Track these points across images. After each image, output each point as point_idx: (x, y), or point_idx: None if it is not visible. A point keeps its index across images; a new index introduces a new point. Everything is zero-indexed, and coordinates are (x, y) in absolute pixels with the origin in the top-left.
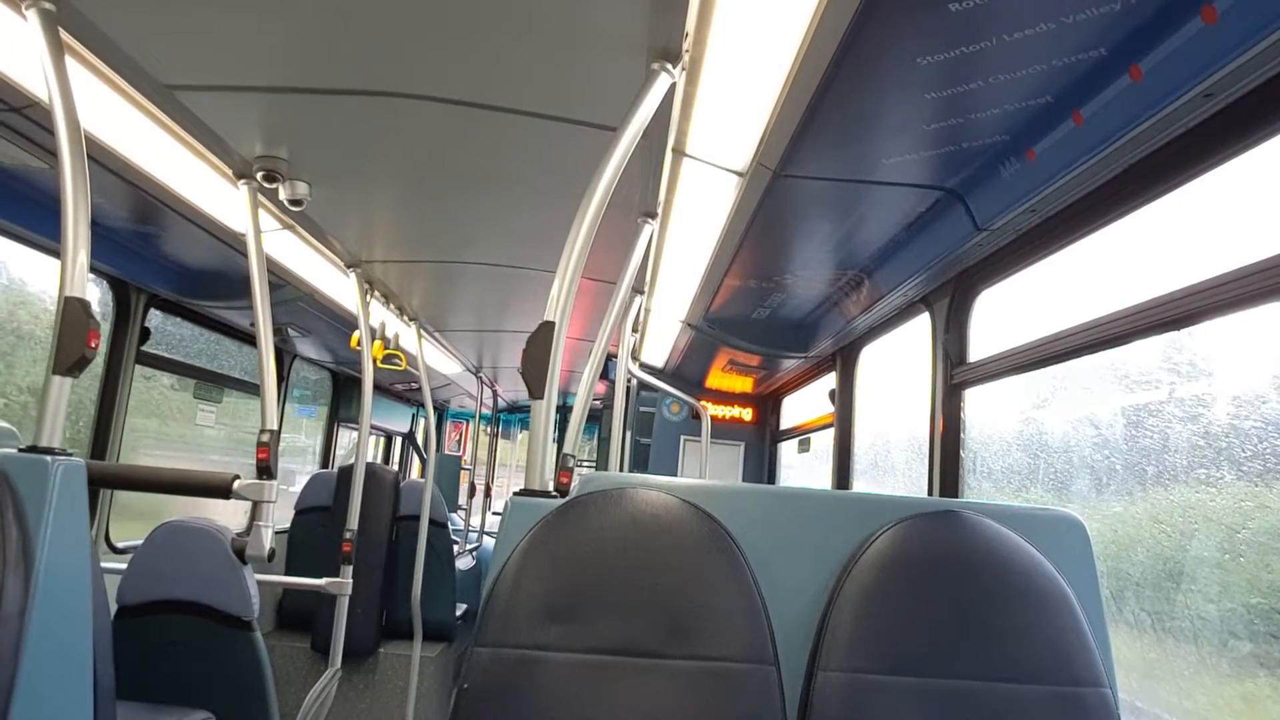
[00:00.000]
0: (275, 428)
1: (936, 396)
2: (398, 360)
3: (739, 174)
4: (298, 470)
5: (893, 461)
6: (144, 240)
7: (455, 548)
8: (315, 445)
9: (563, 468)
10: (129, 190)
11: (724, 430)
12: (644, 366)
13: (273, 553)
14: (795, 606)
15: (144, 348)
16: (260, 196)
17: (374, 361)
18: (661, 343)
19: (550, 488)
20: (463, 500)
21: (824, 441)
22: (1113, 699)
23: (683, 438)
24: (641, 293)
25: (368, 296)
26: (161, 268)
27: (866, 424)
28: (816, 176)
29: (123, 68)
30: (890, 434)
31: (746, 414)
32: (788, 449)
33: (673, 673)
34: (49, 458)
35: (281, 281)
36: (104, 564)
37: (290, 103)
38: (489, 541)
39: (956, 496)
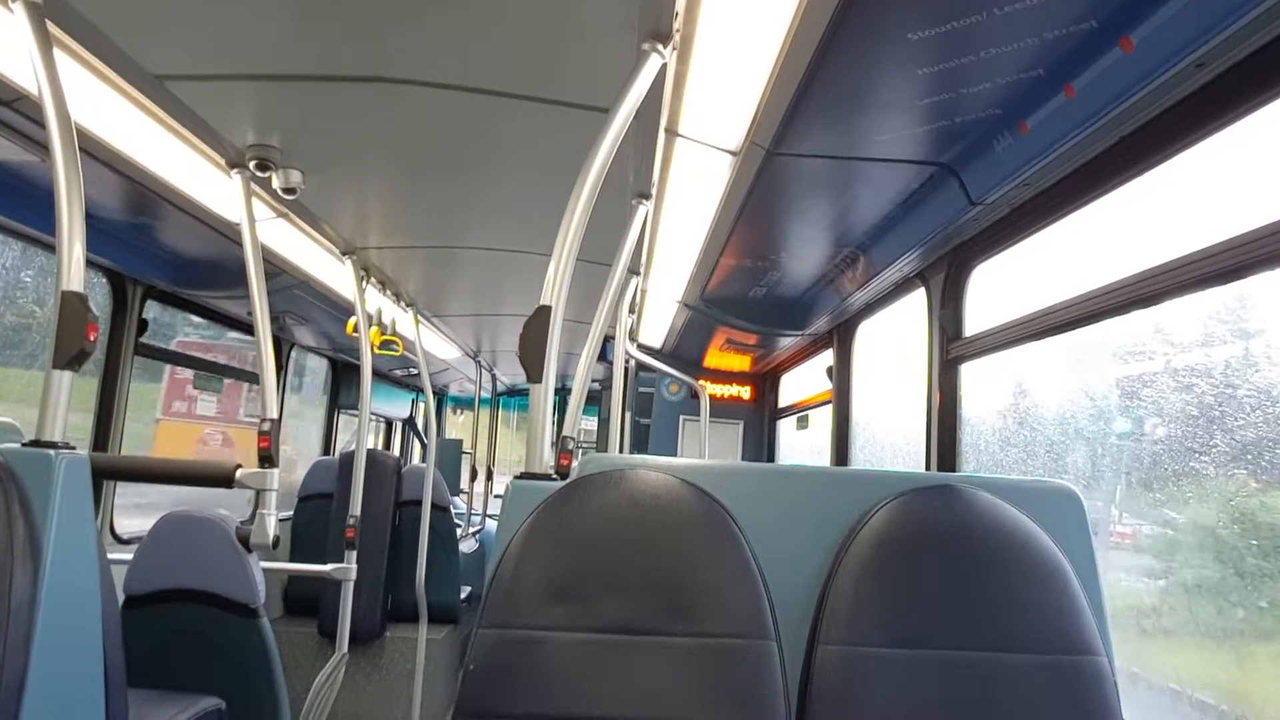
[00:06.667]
0: (275, 416)
1: (933, 371)
2: (394, 345)
3: (732, 153)
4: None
5: (891, 437)
6: (139, 232)
7: (458, 531)
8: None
9: (563, 450)
10: (122, 182)
11: (723, 409)
12: (642, 347)
13: (277, 540)
14: (795, 582)
15: (142, 339)
16: (254, 185)
17: (371, 347)
18: (659, 323)
19: (550, 470)
20: (464, 484)
21: (823, 421)
22: (1109, 667)
23: (682, 417)
24: (638, 274)
25: (364, 283)
26: (158, 259)
27: (865, 400)
28: (810, 154)
29: (112, 59)
30: (889, 410)
31: (745, 392)
32: (787, 428)
33: (675, 649)
34: (52, 452)
35: (278, 270)
36: (110, 555)
37: (281, 91)
38: (492, 524)
39: (954, 470)
